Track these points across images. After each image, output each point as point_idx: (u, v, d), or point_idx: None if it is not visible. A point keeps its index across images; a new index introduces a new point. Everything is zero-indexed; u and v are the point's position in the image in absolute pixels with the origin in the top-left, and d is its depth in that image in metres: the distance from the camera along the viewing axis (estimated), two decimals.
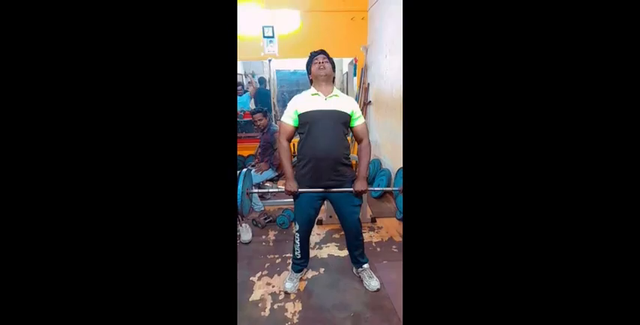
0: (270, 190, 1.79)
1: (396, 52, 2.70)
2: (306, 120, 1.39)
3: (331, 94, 1.42)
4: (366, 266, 1.65)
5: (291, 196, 1.50)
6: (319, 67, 1.41)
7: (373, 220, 2.39)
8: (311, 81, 1.48)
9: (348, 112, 1.42)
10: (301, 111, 1.40)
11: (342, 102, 1.43)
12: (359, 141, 1.51)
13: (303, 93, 1.48)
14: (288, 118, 1.44)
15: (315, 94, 1.42)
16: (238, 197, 1.44)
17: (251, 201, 1.70)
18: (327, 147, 1.39)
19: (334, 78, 1.48)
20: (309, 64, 1.47)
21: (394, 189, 1.74)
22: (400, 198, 1.74)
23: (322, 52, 1.45)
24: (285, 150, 1.46)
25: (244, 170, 1.55)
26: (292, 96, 1.50)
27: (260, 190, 1.88)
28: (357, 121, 1.47)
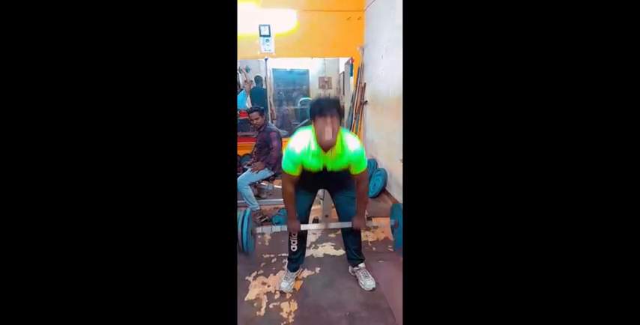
0: (274, 229, 1.67)
1: (392, 51, 2.71)
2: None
3: (335, 158, 1.32)
4: (361, 265, 1.66)
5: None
6: (323, 132, 1.21)
7: (369, 219, 2.39)
8: (311, 122, 1.27)
9: (347, 167, 1.36)
10: (303, 165, 1.36)
11: (345, 158, 1.32)
12: (357, 185, 1.46)
13: (305, 141, 1.32)
14: (293, 168, 1.35)
15: (317, 155, 1.32)
16: (244, 237, 1.44)
17: (256, 238, 1.69)
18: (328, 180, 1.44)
19: (341, 120, 1.27)
20: (314, 112, 1.23)
21: (390, 222, 1.70)
22: (396, 231, 1.71)
23: (332, 106, 1.22)
24: (290, 196, 1.44)
25: (247, 211, 1.53)
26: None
27: (263, 229, 1.68)
28: (359, 170, 1.37)
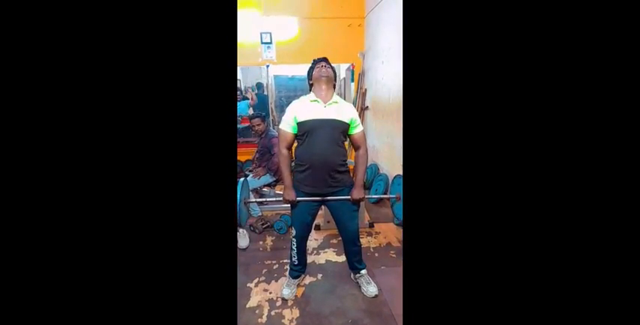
0: (269, 199, 1.76)
1: (392, 58, 2.73)
2: (305, 129, 1.39)
3: (331, 101, 1.42)
4: (363, 272, 1.64)
5: (289, 204, 1.50)
6: (321, 70, 1.42)
7: (371, 225, 2.38)
8: (310, 87, 1.48)
9: (347, 121, 1.42)
10: (300, 119, 1.40)
11: (341, 110, 1.43)
12: (356, 148, 1.51)
13: (302, 98, 1.47)
14: (288, 126, 1.43)
15: (315, 101, 1.42)
16: (237, 206, 1.44)
17: (248, 208, 1.69)
18: (325, 155, 1.39)
19: (335, 85, 1.48)
20: (310, 70, 1.48)
21: (390, 196, 1.74)
22: (397, 205, 1.74)
23: (324, 59, 1.48)
24: (285, 158, 1.46)
25: (242, 179, 1.55)
26: (290, 101, 1.51)
27: (258, 200, 1.86)
28: (356, 129, 1.47)
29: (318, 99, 1.42)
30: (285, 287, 1.60)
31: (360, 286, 1.62)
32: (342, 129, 1.42)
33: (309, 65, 1.51)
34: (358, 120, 1.48)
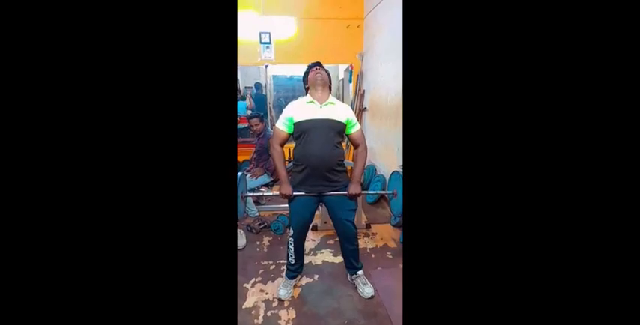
0: (266, 194, 1.78)
1: (391, 59, 2.74)
2: (302, 129, 1.40)
3: (327, 102, 1.43)
4: (360, 272, 1.64)
5: (286, 200, 1.50)
6: (316, 74, 1.44)
7: (368, 226, 2.39)
8: (307, 90, 1.50)
9: (343, 121, 1.43)
10: (297, 119, 1.41)
11: (338, 110, 1.44)
12: (355, 146, 1.52)
13: (299, 99, 1.48)
14: (283, 125, 1.44)
15: (311, 102, 1.43)
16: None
17: (245, 205, 1.69)
18: (322, 155, 1.39)
19: (330, 87, 1.50)
20: (306, 74, 1.49)
21: (388, 192, 1.75)
22: (394, 201, 1.74)
23: (318, 63, 1.50)
24: (279, 154, 1.47)
25: (239, 174, 1.55)
26: (288, 101, 1.51)
27: (255, 194, 1.87)
28: (353, 128, 1.49)
29: (314, 101, 1.43)
30: (281, 288, 1.60)
31: (356, 287, 1.63)
32: (338, 129, 1.42)
33: (305, 69, 1.53)
34: (355, 120, 1.49)
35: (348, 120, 1.45)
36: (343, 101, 3.83)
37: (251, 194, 1.88)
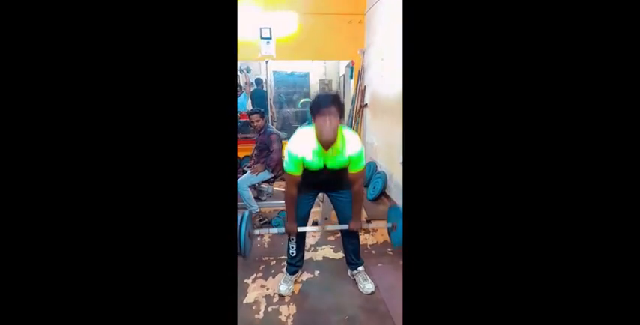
0: (271, 231, 1.66)
1: (392, 55, 2.72)
2: (306, 169, 1.38)
3: (333, 146, 1.27)
4: (361, 268, 1.65)
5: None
6: (324, 126, 1.20)
7: (369, 222, 2.39)
8: (313, 118, 1.26)
9: (346, 166, 1.36)
10: (305, 160, 1.34)
11: (343, 152, 1.32)
12: (352, 184, 1.42)
13: (307, 137, 1.32)
14: (296, 169, 1.35)
15: (316, 150, 1.31)
16: (241, 239, 1.45)
17: (252, 243, 1.70)
18: (326, 181, 1.45)
19: (340, 121, 1.27)
20: (314, 105, 1.25)
21: (388, 225, 1.76)
22: (394, 233, 1.73)
23: (333, 97, 1.25)
24: (292, 199, 1.44)
25: (246, 213, 1.54)
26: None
27: (262, 230, 1.71)
28: (355, 168, 1.36)
29: (320, 147, 1.28)
30: (282, 284, 1.61)
31: (357, 283, 1.63)
32: (343, 168, 1.38)
33: (312, 100, 1.30)
34: (358, 155, 1.33)
35: (351, 157, 1.33)
36: (344, 97, 3.84)
37: (258, 232, 1.71)
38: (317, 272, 1.77)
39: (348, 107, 3.69)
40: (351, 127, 3.59)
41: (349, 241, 1.61)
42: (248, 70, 4.09)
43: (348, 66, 3.70)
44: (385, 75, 2.91)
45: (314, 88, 4.37)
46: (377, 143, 3.28)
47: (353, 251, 1.63)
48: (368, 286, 1.59)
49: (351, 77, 3.67)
